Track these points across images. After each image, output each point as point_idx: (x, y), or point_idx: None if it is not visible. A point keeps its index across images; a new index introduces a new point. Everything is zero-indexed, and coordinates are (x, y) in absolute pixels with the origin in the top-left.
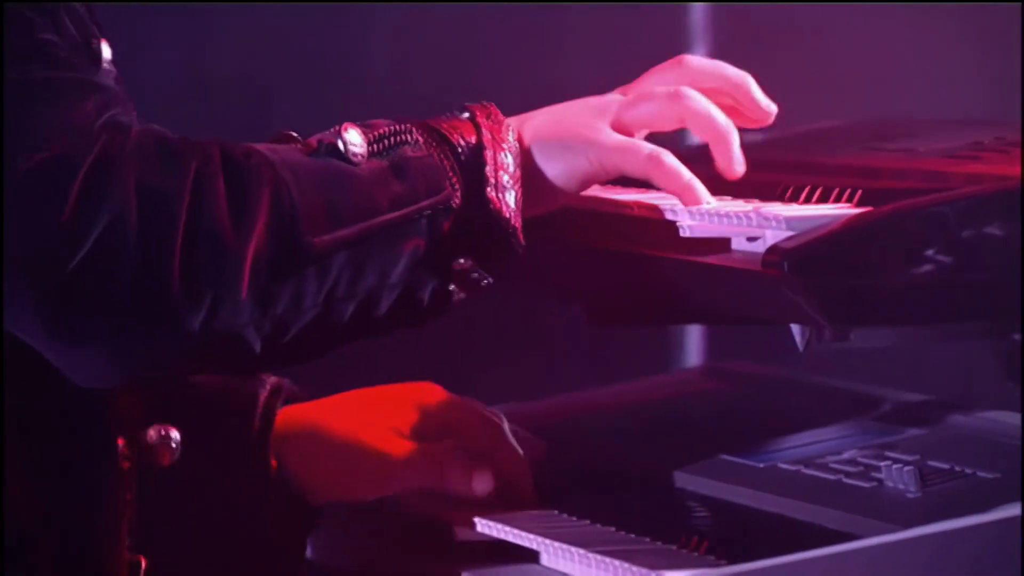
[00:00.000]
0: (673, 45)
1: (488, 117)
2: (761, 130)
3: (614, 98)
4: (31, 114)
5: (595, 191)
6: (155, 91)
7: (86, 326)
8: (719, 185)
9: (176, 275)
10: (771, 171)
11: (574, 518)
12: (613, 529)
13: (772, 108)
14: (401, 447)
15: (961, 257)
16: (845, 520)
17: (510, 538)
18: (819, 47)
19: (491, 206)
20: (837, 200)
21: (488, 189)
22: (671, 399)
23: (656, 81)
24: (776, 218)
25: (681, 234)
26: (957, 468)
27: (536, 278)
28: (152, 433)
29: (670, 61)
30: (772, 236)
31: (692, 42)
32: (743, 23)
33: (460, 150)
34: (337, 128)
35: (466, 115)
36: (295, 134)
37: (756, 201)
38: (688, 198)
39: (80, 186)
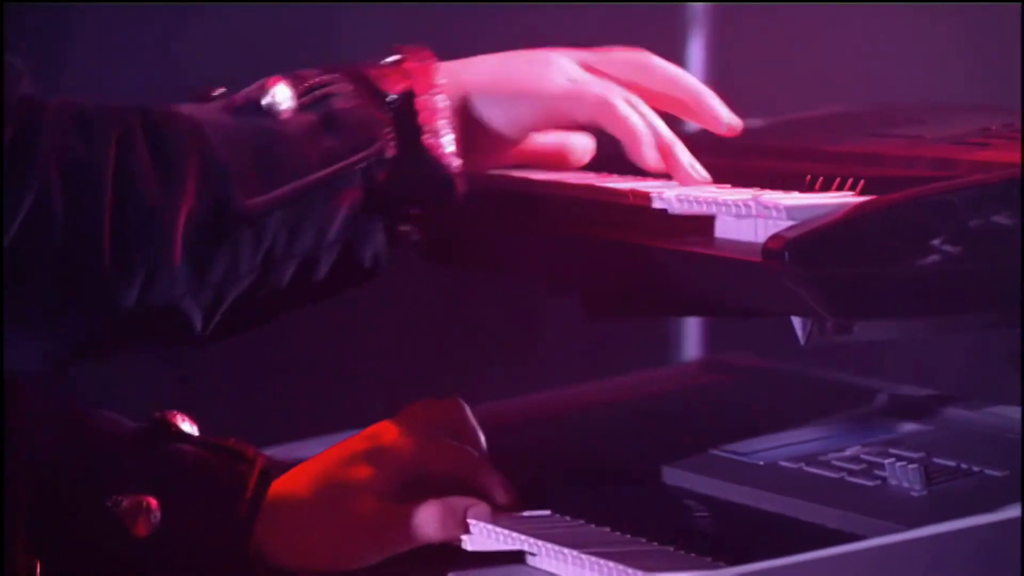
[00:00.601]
0: (672, 44)
1: (420, 61)
2: (762, 116)
3: (562, 58)
4: None
5: (590, 178)
6: (131, 92)
7: (18, 307)
8: (719, 173)
9: (106, 248)
10: (772, 158)
11: (568, 518)
12: (608, 529)
13: (734, 122)
14: (386, 511)
15: (968, 247)
16: (848, 520)
17: (501, 539)
18: (818, 47)
19: (428, 153)
20: (840, 188)
21: (424, 136)
22: (669, 393)
23: (608, 68)
24: (776, 207)
25: (669, 211)
26: (963, 466)
27: (531, 270)
28: (128, 503)
29: (631, 56)
30: (772, 225)
31: (690, 40)
32: (740, 21)
33: (391, 98)
34: (263, 82)
35: (396, 58)
36: (222, 89)
37: (756, 189)
38: (638, 149)
39: None
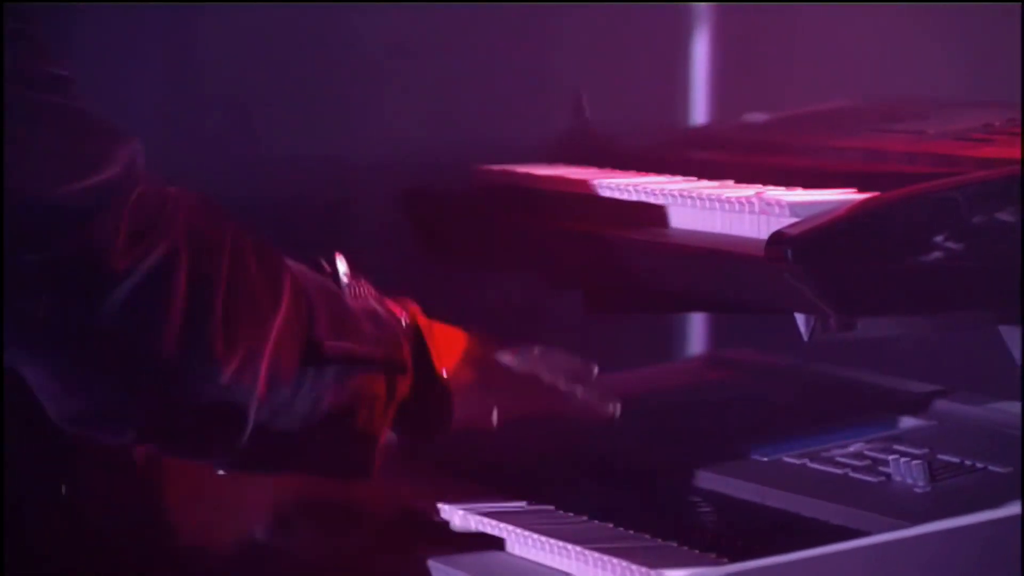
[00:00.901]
0: (673, 44)
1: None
2: (766, 110)
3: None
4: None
5: (591, 175)
6: (138, 93)
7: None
8: (722, 169)
9: (217, 326)
10: (775, 154)
11: (571, 514)
12: (611, 525)
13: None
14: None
15: (971, 243)
16: (852, 516)
17: (504, 535)
18: (819, 47)
19: (437, 375)
20: (843, 184)
21: (435, 362)
22: (672, 389)
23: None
24: (779, 203)
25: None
26: (967, 462)
27: (535, 265)
28: None
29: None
30: (775, 221)
31: (691, 41)
32: (742, 23)
33: (406, 325)
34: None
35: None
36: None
37: (759, 186)
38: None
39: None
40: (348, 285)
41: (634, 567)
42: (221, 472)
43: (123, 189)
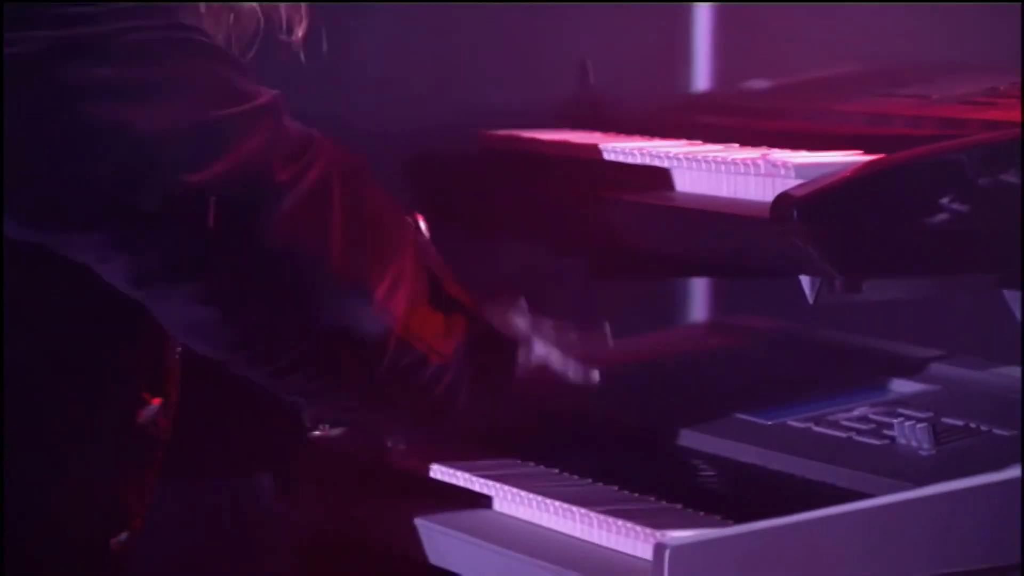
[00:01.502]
0: (677, 45)
1: None
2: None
3: None
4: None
5: (596, 138)
6: None
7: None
8: (726, 132)
9: (371, 243)
10: (780, 117)
11: (576, 476)
12: (616, 488)
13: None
14: None
15: (977, 206)
16: (856, 479)
17: (508, 498)
18: (820, 48)
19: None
20: (849, 147)
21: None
22: (676, 355)
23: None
24: (785, 165)
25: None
26: (972, 425)
27: (539, 231)
28: None
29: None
30: (780, 183)
31: (695, 41)
32: (746, 24)
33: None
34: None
35: None
36: None
37: (764, 148)
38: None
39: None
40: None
41: (639, 528)
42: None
43: (275, 113)
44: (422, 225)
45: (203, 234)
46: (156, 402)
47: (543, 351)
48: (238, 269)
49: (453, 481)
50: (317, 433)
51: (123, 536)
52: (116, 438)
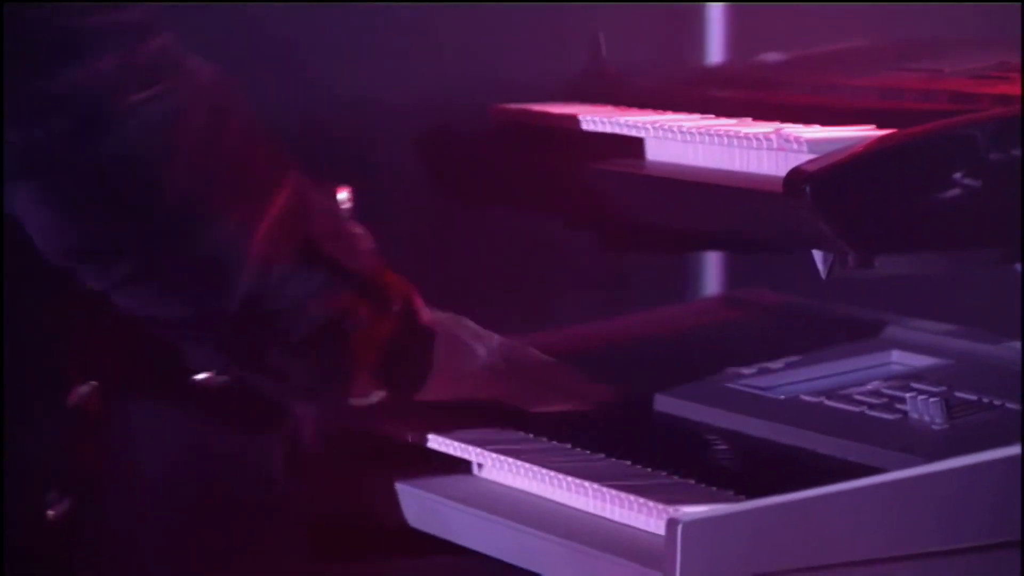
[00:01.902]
0: (688, 44)
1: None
2: (783, 46)
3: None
4: None
5: (608, 113)
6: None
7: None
8: (740, 106)
9: (222, 179)
10: (792, 92)
11: (588, 452)
12: (628, 463)
13: None
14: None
15: (989, 180)
16: (869, 453)
17: (522, 473)
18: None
19: (425, 330)
20: (861, 122)
21: (419, 318)
22: (689, 329)
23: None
24: (797, 140)
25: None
26: (985, 399)
27: (551, 205)
28: None
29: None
30: (793, 158)
31: (707, 41)
32: (758, 24)
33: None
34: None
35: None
36: None
37: (777, 123)
38: None
39: None
40: (348, 215)
41: (651, 503)
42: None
43: (142, 32)
44: (342, 197)
45: (46, 138)
46: (86, 385)
47: (487, 358)
48: (77, 178)
49: (466, 456)
50: (199, 377)
51: (63, 505)
52: (47, 418)
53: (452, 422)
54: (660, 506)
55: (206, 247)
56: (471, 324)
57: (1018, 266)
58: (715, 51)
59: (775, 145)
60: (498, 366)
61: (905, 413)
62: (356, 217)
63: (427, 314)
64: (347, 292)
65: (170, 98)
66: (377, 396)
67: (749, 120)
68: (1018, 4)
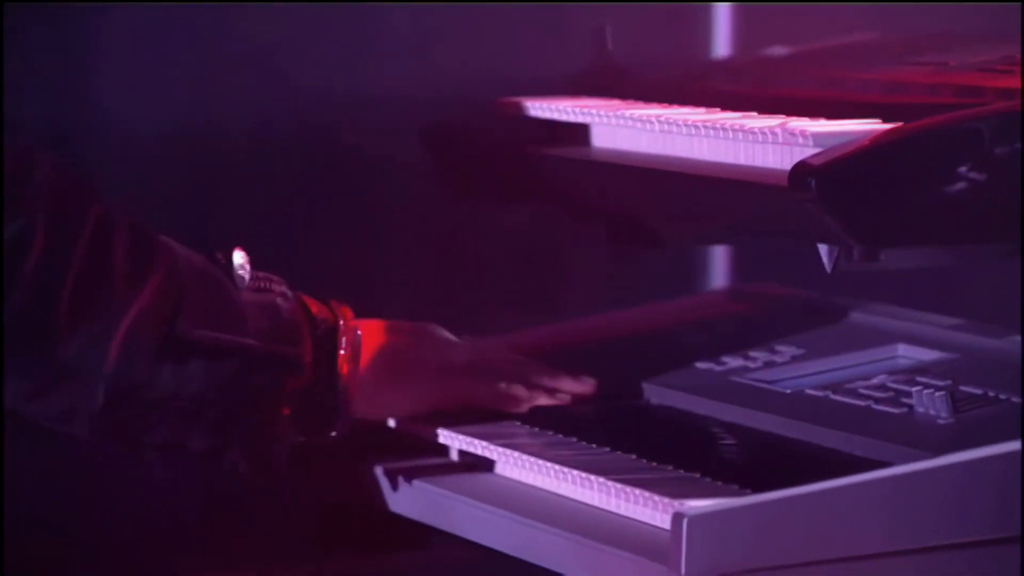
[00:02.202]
0: (695, 43)
1: (341, 307)
2: (789, 40)
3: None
4: None
5: (613, 107)
6: (162, 66)
7: None
8: (744, 100)
9: (63, 305)
10: (798, 85)
11: (593, 445)
12: (634, 457)
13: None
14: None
15: (994, 174)
16: (874, 447)
17: (527, 467)
18: None
19: (339, 381)
20: (867, 115)
21: (338, 365)
22: (694, 322)
23: (501, 371)
24: (803, 134)
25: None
26: (990, 393)
27: (556, 199)
28: None
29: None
30: (798, 152)
31: (715, 41)
32: (765, 23)
33: (317, 320)
34: (229, 249)
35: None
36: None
37: (782, 116)
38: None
39: None
40: (245, 278)
41: (657, 497)
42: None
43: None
44: (238, 261)
45: None
46: None
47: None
48: None
49: (470, 449)
50: None
51: None
52: None
53: (457, 416)
54: (665, 500)
55: (56, 365)
56: (440, 331)
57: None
58: (721, 51)
59: (780, 139)
60: (469, 369)
61: (911, 407)
62: (261, 271)
63: (376, 336)
64: (229, 369)
65: (16, 221)
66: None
67: (754, 114)
68: (1018, 4)
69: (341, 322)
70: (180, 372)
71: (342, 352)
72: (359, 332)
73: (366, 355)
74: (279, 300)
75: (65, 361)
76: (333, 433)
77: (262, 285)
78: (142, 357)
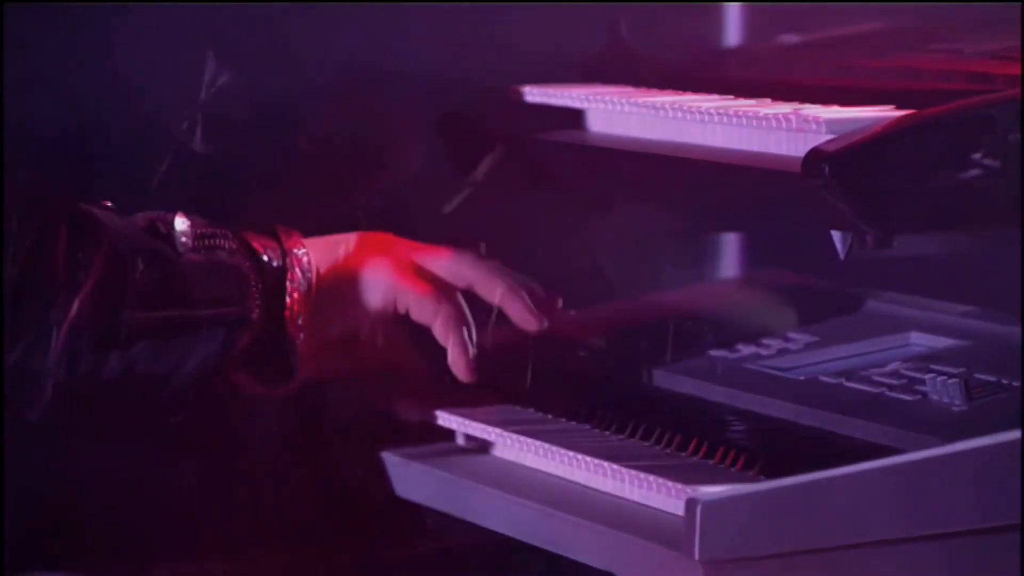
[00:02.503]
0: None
1: (290, 238)
2: (802, 32)
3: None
4: None
5: (627, 94)
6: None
7: None
8: (757, 87)
9: (11, 299)
10: (811, 72)
11: (607, 432)
12: (647, 443)
13: (543, 324)
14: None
15: (1008, 160)
16: (888, 434)
17: (539, 455)
18: None
19: (286, 327)
20: (880, 102)
21: (286, 311)
22: (708, 310)
23: (443, 272)
24: (816, 120)
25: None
26: (1004, 381)
27: (570, 185)
28: None
29: (460, 257)
30: (812, 138)
31: (725, 40)
32: (775, 22)
33: (265, 265)
34: (170, 214)
35: (272, 235)
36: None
37: (795, 103)
38: (454, 362)
39: None
40: (189, 243)
41: (670, 484)
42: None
43: None
44: (180, 228)
45: None
46: None
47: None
48: None
49: (485, 437)
50: None
51: None
52: None
53: (471, 401)
54: (679, 486)
55: (7, 360)
56: (394, 238)
57: None
58: (733, 31)
59: (794, 126)
60: (429, 263)
61: (924, 394)
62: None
63: (327, 255)
64: (179, 343)
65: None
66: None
67: (768, 101)
68: (1018, 4)
69: (288, 258)
70: (127, 356)
71: (287, 288)
72: (307, 259)
73: (319, 278)
74: (224, 256)
75: (14, 361)
76: (290, 383)
77: (208, 243)
78: (86, 350)
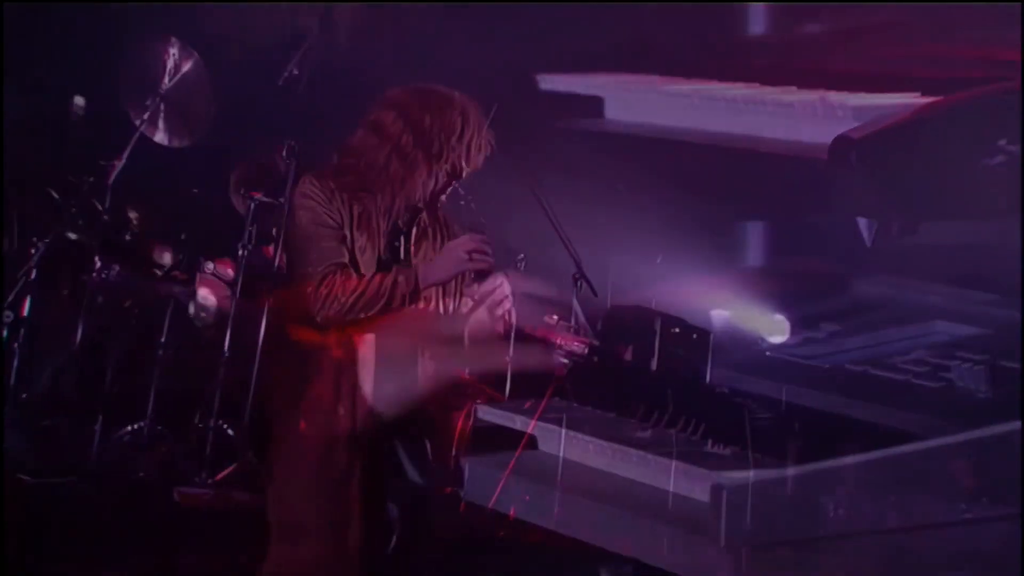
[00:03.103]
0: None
1: None
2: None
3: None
4: None
5: (651, 80)
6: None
7: None
8: (783, 73)
9: None
10: (837, 60)
11: (633, 421)
12: (673, 431)
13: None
14: None
15: None
16: (914, 420)
17: (569, 442)
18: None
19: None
20: (906, 89)
21: None
22: (734, 299)
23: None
24: (843, 107)
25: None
26: None
27: (593, 171)
28: None
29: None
30: (838, 125)
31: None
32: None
33: None
34: None
35: None
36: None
37: (822, 90)
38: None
39: None
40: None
41: (695, 470)
42: None
43: None
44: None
45: None
46: None
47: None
48: None
49: (512, 425)
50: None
51: None
52: None
53: (500, 393)
54: (705, 472)
55: None
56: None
57: None
58: (758, 19)
59: (820, 113)
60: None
61: (950, 381)
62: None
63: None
64: None
65: None
66: None
67: (794, 88)
68: (1018, 4)
69: None
70: None
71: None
72: None
73: None
74: None
75: None
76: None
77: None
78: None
